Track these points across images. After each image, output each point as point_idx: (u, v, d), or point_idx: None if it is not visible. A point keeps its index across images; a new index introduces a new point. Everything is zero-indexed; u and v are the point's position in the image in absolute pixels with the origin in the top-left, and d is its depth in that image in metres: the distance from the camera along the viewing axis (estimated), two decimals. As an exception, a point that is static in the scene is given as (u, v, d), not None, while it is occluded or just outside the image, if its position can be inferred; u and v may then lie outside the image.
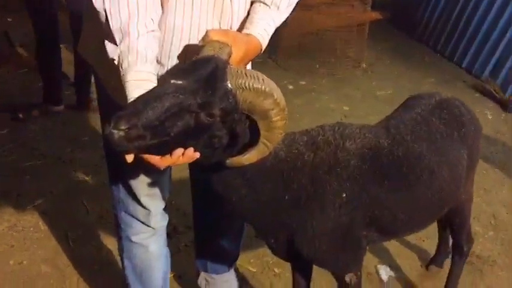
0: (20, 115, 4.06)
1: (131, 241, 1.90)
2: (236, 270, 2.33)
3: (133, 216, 1.85)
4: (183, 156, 1.34)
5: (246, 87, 1.30)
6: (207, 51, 1.40)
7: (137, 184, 1.77)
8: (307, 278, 1.96)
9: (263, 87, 1.31)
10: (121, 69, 1.41)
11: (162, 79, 1.36)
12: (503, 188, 3.38)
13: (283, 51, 5.90)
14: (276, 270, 2.56)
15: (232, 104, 1.31)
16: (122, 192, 1.82)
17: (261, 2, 1.60)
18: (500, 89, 5.05)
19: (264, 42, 1.59)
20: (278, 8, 1.61)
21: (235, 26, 1.60)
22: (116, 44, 1.41)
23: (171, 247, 2.44)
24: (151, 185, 1.80)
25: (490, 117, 4.63)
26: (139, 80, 1.39)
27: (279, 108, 1.35)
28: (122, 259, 1.98)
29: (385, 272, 2.54)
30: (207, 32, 1.45)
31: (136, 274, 1.96)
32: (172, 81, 1.29)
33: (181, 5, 1.49)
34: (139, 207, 1.82)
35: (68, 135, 3.88)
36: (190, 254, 2.54)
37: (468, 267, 2.60)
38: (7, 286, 2.40)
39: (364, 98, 5.12)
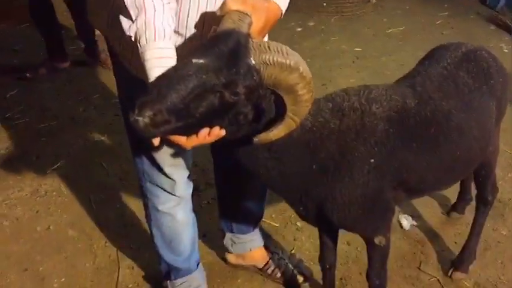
0: (28, 74, 4.01)
1: (158, 210, 1.91)
2: (260, 227, 2.35)
3: (158, 186, 1.85)
4: (209, 135, 1.32)
5: (270, 62, 1.26)
6: (227, 24, 1.34)
7: (160, 155, 1.76)
8: (335, 239, 1.98)
9: (288, 61, 1.27)
10: (139, 46, 1.36)
11: (181, 58, 1.31)
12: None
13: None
14: (298, 224, 2.59)
15: (257, 81, 1.27)
16: (145, 164, 1.82)
17: None
18: (516, 21, 4.88)
19: (284, 6, 1.51)
20: None
21: None
22: (131, 20, 1.35)
23: (194, 204, 2.49)
24: (175, 155, 1.78)
25: (505, 51, 4.51)
26: (159, 58, 1.35)
27: (305, 81, 1.31)
28: (150, 227, 2.00)
29: (406, 221, 2.56)
30: (225, 1, 1.37)
31: (165, 242, 1.99)
32: (194, 60, 1.25)
33: None
34: (164, 177, 1.81)
35: (78, 94, 3.84)
36: (212, 211, 2.57)
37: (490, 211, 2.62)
38: (37, 252, 2.45)
39: (376, 37, 4.98)
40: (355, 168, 1.56)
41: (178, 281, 2.07)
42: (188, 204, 1.97)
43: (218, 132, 1.33)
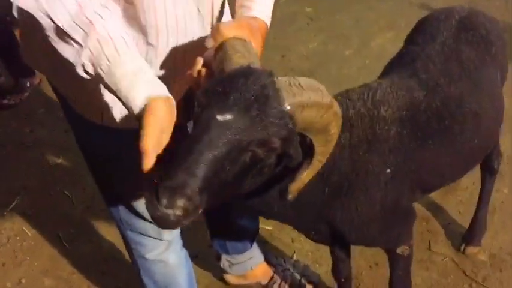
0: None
1: (146, 259, 1.68)
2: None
3: (142, 234, 1.61)
4: None
5: (306, 104, 1.02)
6: (236, 58, 1.06)
7: (139, 203, 1.51)
8: (347, 251, 1.81)
9: (324, 99, 1.05)
10: (101, 72, 1.03)
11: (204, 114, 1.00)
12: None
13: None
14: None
15: (291, 128, 1.02)
16: (122, 212, 1.57)
17: None
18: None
19: (268, 22, 1.27)
20: None
21: (216, 10, 1.25)
22: (78, 44, 1.03)
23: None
24: None
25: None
26: (133, 74, 1.03)
27: (337, 118, 1.11)
28: (140, 277, 1.77)
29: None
30: (217, 27, 1.11)
31: (160, 288, 1.76)
32: (219, 117, 0.97)
33: None
34: (148, 223, 1.56)
35: (21, 112, 3.46)
36: (200, 228, 2.34)
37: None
38: (13, 313, 2.19)
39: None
40: (370, 183, 1.37)
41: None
42: (179, 244, 1.75)
43: None
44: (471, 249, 2.13)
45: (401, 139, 1.40)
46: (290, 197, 1.19)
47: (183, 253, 1.79)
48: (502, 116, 1.71)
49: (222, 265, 2.10)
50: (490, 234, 2.19)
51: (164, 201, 0.91)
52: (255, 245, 2.09)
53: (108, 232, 2.46)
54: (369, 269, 2.17)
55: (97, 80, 1.05)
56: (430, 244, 2.21)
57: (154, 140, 0.99)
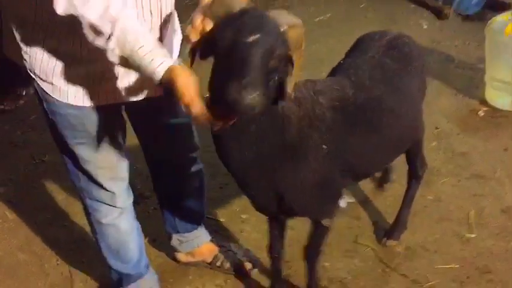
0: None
1: (101, 223, 1.99)
2: (205, 223, 2.46)
3: (98, 201, 1.93)
4: None
5: (292, 24, 1.41)
6: (237, 2, 1.42)
7: (97, 171, 1.84)
8: (283, 230, 2.11)
9: (298, 20, 1.44)
10: (126, 55, 1.42)
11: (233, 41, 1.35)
12: (441, 97, 3.57)
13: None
14: (243, 216, 2.71)
15: (286, 44, 1.40)
16: (82, 181, 1.89)
17: None
18: (433, -3, 5.14)
19: None
20: None
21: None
22: (105, 34, 1.40)
23: (140, 213, 2.56)
24: (111, 168, 1.87)
25: (425, 27, 4.75)
26: (151, 53, 1.41)
27: (303, 37, 1.47)
28: (96, 240, 2.07)
29: (343, 200, 2.72)
30: None
31: (112, 252, 2.07)
32: (248, 39, 1.33)
33: None
34: (104, 191, 1.90)
35: (15, 117, 3.82)
36: (160, 217, 2.65)
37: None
38: (-10, 281, 2.48)
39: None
40: (311, 154, 1.68)
41: (130, 286, 2.16)
42: (131, 214, 2.06)
43: None
44: (390, 242, 2.43)
45: (334, 123, 1.71)
46: (289, 93, 1.49)
47: (135, 224, 2.10)
48: (420, 119, 2.09)
49: (172, 243, 2.39)
50: (410, 231, 2.48)
51: (241, 95, 1.26)
52: (202, 226, 2.39)
53: (80, 218, 2.75)
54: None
55: (122, 60, 1.43)
56: (356, 237, 2.51)
57: (192, 91, 1.37)
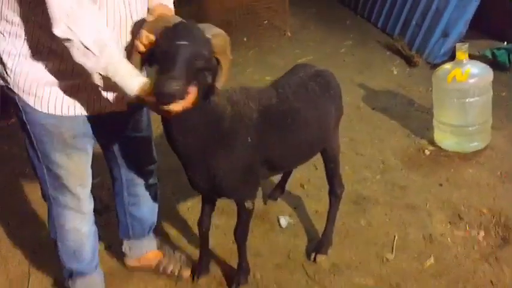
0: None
1: (64, 228, 2.23)
2: (155, 233, 2.73)
3: (64, 208, 2.18)
4: (191, 94, 1.78)
5: (216, 33, 1.80)
6: (172, 20, 1.82)
7: (68, 177, 2.10)
8: (212, 208, 2.54)
9: (221, 31, 1.83)
10: (110, 75, 1.78)
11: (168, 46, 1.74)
12: (395, 136, 3.87)
13: (211, 28, 6.22)
14: (194, 230, 2.98)
15: (211, 49, 1.79)
16: (51, 188, 2.14)
17: None
18: (406, 46, 5.50)
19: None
20: None
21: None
22: (95, 57, 1.75)
23: (102, 222, 2.85)
24: (81, 175, 2.15)
25: (395, 73, 5.11)
26: (129, 73, 1.80)
27: (229, 45, 1.86)
28: (55, 242, 2.31)
29: (284, 220, 3.00)
30: (153, 9, 1.91)
31: (69, 252, 2.30)
32: (178, 43, 1.72)
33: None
34: (70, 197, 2.14)
35: (4, 133, 4.17)
36: (113, 226, 2.92)
37: (354, 207, 3.10)
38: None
39: (286, 66, 5.32)
40: (238, 144, 2.10)
41: (78, 280, 2.39)
42: (91, 218, 2.31)
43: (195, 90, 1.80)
44: (319, 257, 2.67)
45: (259, 123, 2.14)
46: (218, 85, 1.87)
47: (94, 228, 2.35)
48: (327, 133, 2.49)
49: (123, 249, 2.66)
50: (338, 250, 2.72)
51: (165, 85, 1.65)
52: (151, 235, 2.66)
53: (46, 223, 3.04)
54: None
55: (105, 80, 1.80)
56: (290, 253, 2.77)
57: None
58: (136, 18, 1.96)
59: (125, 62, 1.82)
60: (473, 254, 2.66)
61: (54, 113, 1.98)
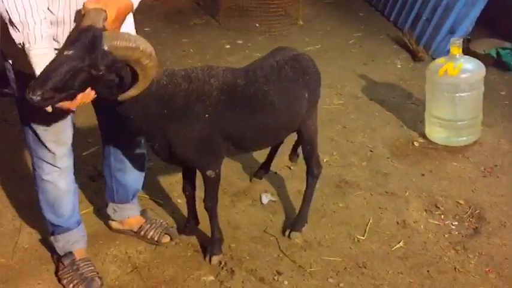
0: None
1: (42, 179, 2.41)
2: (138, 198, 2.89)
3: (42, 159, 2.35)
4: (84, 96, 1.91)
5: (118, 46, 1.85)
6: (86, 22, 1.89)
7: (43, 133, 2.28)
8: (192, 175, 2.67)
9: (130, 44, 1.86)
10: (26, 50, 1.91)
11: (59, 52, 1.88)
12: (388, 126, 3.94)
13: (225, 12, 6.30)
14: (179, 201, 3.11)
15: (112, 59, 1.86)
16: (32, 142, 2.33)
17: None
18: (415, 41, 5.52)
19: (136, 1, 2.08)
20: None
21: None
22: (19, 31, 1.90)
23: (95, 188, 3.01)
24: (55, 132, 2.30)
25: (399, 66, 5.15)
26: (40, 55, 1.89)
27: (145, 55, 1.91)
28: (36, 193, 2.49)
29: (265, 197, 3.11)
30: (83, 4, 1.94)
31: (48, 205, 2.48)
32: (65, 52, 1.83)
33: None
34: (47, 152, 2.32)
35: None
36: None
37: (335, 190, 3.20)
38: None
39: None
40: (194, 118, 2.21)
41: (59, 236, 2.56)
42: (69, 176, 2.47)
43: (90, 93, 1.93)
44: (293, 234, 2.78)
45: (218, 100, 2.24)
46: (119, 97, 2.00)
47: (73, 185, 2.51)
48: (296, 118, 2.53)
49: (107, 211, 2.81)
50: (313, 228, 2.84)
51: (30, 92, 1.76)
52: (135, 200, 2.82)
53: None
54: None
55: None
56: (266, 228, 2.88)
57: None
58: None
59: (40, 45, 1.88)
60: (443, 242, 2.75)
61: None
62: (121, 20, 2.03)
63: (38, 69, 1.86)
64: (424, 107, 3.99)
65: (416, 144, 3.69)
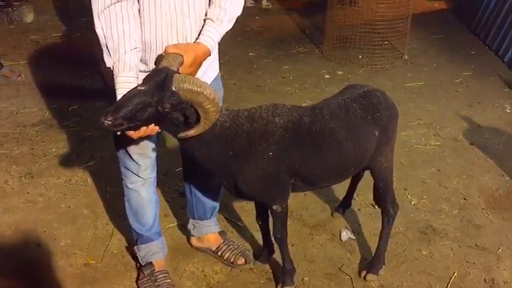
0: None
1: (128, 187, 2.61)
2: (217, 218, 2.99)
3: (128, 169, 2.55)
4: (147, 130, 2.06)
5: (184, 88, 1.97)
6: (164, 63, 2.06)
7: (130, 146, 2.47)
8: (265, 206, 2.65)
9: (196, 88, 1.98)
10: (114, 74, 2.12)
11: (135, 87, 2.02)
12: (487, 175, 3.71)
13: (329, 41, 6.33)
14: (258, 226, 3.16)
15: (177, 100, 1.99)
16: (120, 153, 2.53)
17: (209, 19, 2.23)
18: (529, 86, 5.17)
19: (211, 47, 2.22)
20: (222, 22, 2.24)
21: (190, 40, 2.23)
22: (110, 56, 2.11)
23: (183, 203, 3.16)
24: (140, 147, 2.48)
25: (507, 111, 4.85)
26: (124, 82, 2.10)
27: (209, 100, 2.02)
28: (123, 201, 2.69)
29: (345, 234, 3.06)
30: (165, 47, 2.11)
31: (133, 212, 2.67)
32: (139, 87, 2.00)
33: (149, 26, 2.15)
34: (132, 162, 2.51)
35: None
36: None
37: (420, 236, 3.07)
38: (56, 221, 3.23)
39: (393, 88, 5.45)
40: (258, 157, 2.25)
41: (141, 246, 2.73)
42: (152, 187, 2.64)
43: (153, 128, 2.07)
44: (369, 276, 2.71)
45: (283, 139, 2.25)
46: (179, 135, 2.12)
47: (154, 196, 2.68)
48: (364, 155, 2.49)
49: (188, 227, 2.95)
50: (391, 273, 2.74)
51: (103, 117, 1.92)
52: (213, 219, 2.93)
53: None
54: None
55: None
56: (342, 266, 2.83)
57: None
58: (188, 22, 2.20)
59: (127, 74, 2.09)
60: (535, 309, 2.52)
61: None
62: (197, 65, 2.19)
63: (120, 94, 2.05)
64: (532, 157, 3.72)
65: (516, 197, 3.43)
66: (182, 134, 2.12)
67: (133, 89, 2.00)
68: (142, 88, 1.97)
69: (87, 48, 5.54)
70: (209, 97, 2.00)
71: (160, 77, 1.98)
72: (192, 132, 2.11)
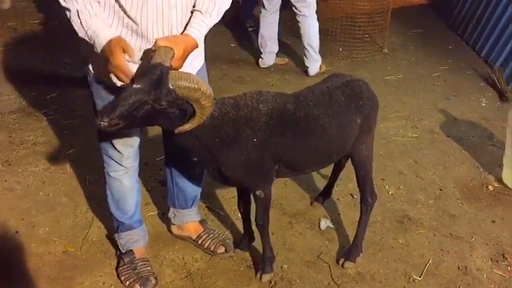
0: None
1: (110, 176, 2.61)
2: (198, 207, 2.99)
3: (110, 158, 2.55)
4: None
5: (181, 86, 1.99)
6: (156, 59, 2.04)
7: (113, 135, 2.46)
8: (247, 193, 2.74)
9: (192, 85, 2.00)
10: (85, 30, 2.06)
11: (128, 84, 2.01)
12: (462, 166, 3.80)
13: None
14: (239, 215, 3.18)
15: (174, 97, 2.01)
16: (102, 140, 2.53)
17: (197, 10, 2.22)
18: (504, 80, 5.28)
19: (199, 39, 2.21)
20: (210, 15, 2.23)
21: (176, 32, 2.22)
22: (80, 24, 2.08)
23: (164, 193, 3.17)
24: (124, 136, 2.48)
25: (483, 105, 4.95)
26: (88, 19, 2.05)
27: (205, 96, 2.05)
28: (105, 189, 2.68)
29: (324, 223, 3.11)
30: (156, 40, 2.08)
31: (114, 201, 2.67)
32: (134, 85, 1.99)
33: (135, 14, 2.13)
34: (115, 151, 2.51)
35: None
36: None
37: (397, 225, 3.14)
38: (34, 209, 3.21)
39: (373, 81, 5.46)
40: (242, 143, 2.28)
41: (122, 234, 2.73)
42: (134, 176, 2.65)
43: None
44: (346, 264, 2.76)
45: (267, 125, 2.29)
46: (176, 130, 2.13)
47: (136, 185, 2.68)
48: (346, 142, 2.53)
49: (169, 215, 2.96)
50: (368, 261, 2.80)
51: (99, 118, 1.92)
52: (194, 208, 2.94)
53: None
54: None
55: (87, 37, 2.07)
56: (320, 253, 2.88)
57: (122, 57, 2.01)
58: (175, 13, 2.18)
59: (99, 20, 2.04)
60: (506, 295, 2.61)
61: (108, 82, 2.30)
62: (185, 58, 2.18)
63: (101, 44, 2.02)
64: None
65: (490, 188, 3.53)
66: (179, 129, 2.15)
67: (128, 87, 1.98)
68: (138, 86, 1.96)
69: (65, 36, 5.46)
70: (205, 93, 2.04)
71: (155, 74, 1.97)
72: (187, 127, 2.14)
